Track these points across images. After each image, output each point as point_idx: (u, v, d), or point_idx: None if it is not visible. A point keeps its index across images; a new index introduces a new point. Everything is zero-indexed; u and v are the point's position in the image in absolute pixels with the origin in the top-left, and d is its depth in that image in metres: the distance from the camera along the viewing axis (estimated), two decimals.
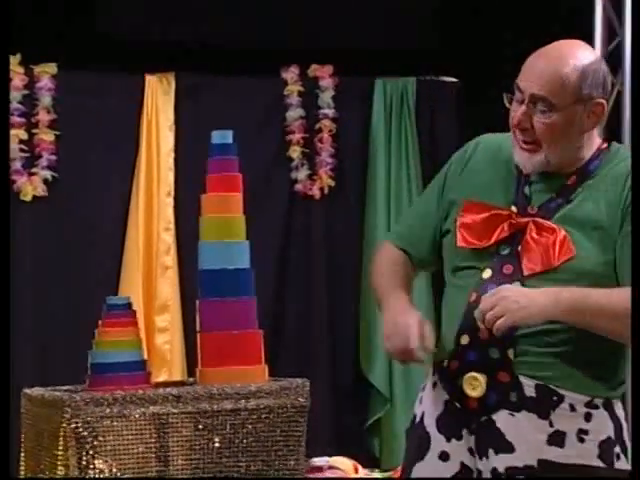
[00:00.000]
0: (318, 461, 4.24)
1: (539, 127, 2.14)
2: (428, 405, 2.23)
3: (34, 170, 4.68)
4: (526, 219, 2.16)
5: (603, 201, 2.15)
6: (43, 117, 4.68)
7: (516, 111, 2.16)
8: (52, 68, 4.69)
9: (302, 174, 5.00)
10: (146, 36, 4.76)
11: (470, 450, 2.17)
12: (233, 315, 3.24)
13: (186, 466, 2.71)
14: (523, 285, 2.13)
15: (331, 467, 4.25)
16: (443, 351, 2.20)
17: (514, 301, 2.05)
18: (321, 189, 5.01)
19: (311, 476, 4.12)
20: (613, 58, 4.59)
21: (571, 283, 2.12)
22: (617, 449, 2.16)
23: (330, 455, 4.36)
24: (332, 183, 5.02)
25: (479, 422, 2.15)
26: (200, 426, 2.79)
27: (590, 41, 4.58)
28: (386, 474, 4.33)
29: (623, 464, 2.16)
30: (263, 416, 2.88)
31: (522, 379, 2.12)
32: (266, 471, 2.83)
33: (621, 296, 2.09)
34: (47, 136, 4.68)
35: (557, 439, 2.11)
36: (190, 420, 2.82)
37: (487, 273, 2.16)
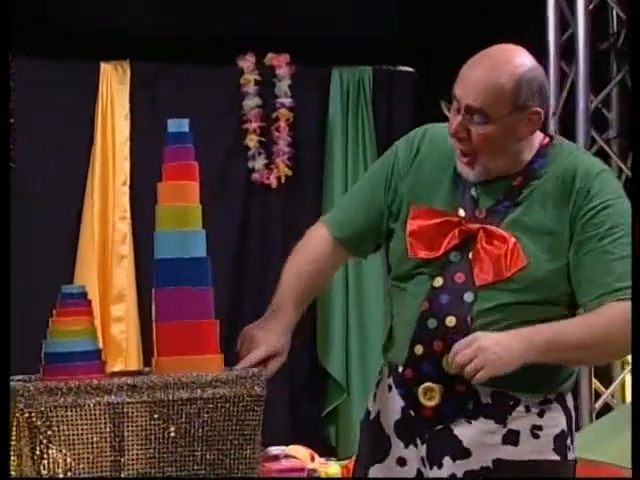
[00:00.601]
0: (274, 450, 4.25)
1: (476, 138, 2.11)
2: (384, 406, 2.23)
3: None
4: (476, 226, 2.15)
5: (551, 204, 2.14)
6: None
7: (453, 120, 2.14)
8: None
9: (259, 163, 4.99)
10: (101, 23, 4.72)
11: (423, 458, 2.18)
12: (189, 304, 3.22)
13: (141, 455, 2.69)
14: (475, 295, 2.12)
15: (287, 456, 4.26)
16: (397, 355, 2.20)
17: (493, 352, 2.03)
18: (278, 178, 5.01)
19: (267, 465, 4.12)
20: (566, 49, 4.64)
21: (523, 292, 2.12)
22: (568, 441, 2.18)
23: (287, 444, 4.36)
24: (289, 172, 5.02)
25: (434, 431, 2.16)
26: (155, 415, 2.78)
27: (543, 32, 4.61)
28: (342, 463, 4.34)
29: (572, 454, 2.19)
30: (219, 405, 2.88)
31: (478, 388, 2.13)
32: (222, 460, 2.83)
33: (587, 327, 2.08)
34: None
35: (511, 438, 2.13)
36: (145, 409, 2.81)
37: (438, 282, 2.16)
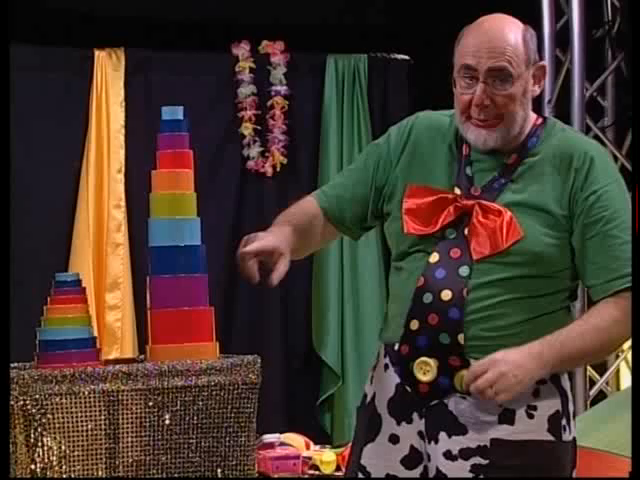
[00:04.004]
0: (269, 438, 4.25)
1: (501, 100, 2.14)
2: (379, 387, 2.24)
3: None
4: (471, 202, 2.17)
5: (546, 181, 2.16)
6: None
7: (468, 92, 2.15)
8: None
9: (254, 151, 4.98)
10: (96, 10, 4.70)
11: (420, 434, 2.18)
12: (184, 292, 3.23)
13: (136, 443, 2.70)
14: (471, 268, 2.14)
15: (282, 444, 4.26)
16: (393, 334, 2.20)
17: (512, 376, 2.07)
18: (273, 166, 5.00)
19: (262, 452, 4.13)
20: (561, 37, 4.63)
21: (521, 266, 2.13)
22: (564, 421, 2.18)
23: (282, 432, 4.36)
24: (284, 160, 5.01)
25: (430, 406, 2.17)
26: (150, 403, 2.78)
27: (538, 20, 4.60)
28: (337, 450, 4.35)
29: (568, 435, 2.19)
30: (214, 393, 2.88)
31: (472, 362, 2.13)
32: (217, 447, 2.84)
33: (595, 334, 2.12)
34: None
35: (507, 417, 2.13)
36: (140, 397, 2.81)
37: (434, 257, 2.17)
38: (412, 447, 2.19)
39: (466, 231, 2.16)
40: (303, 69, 5.05)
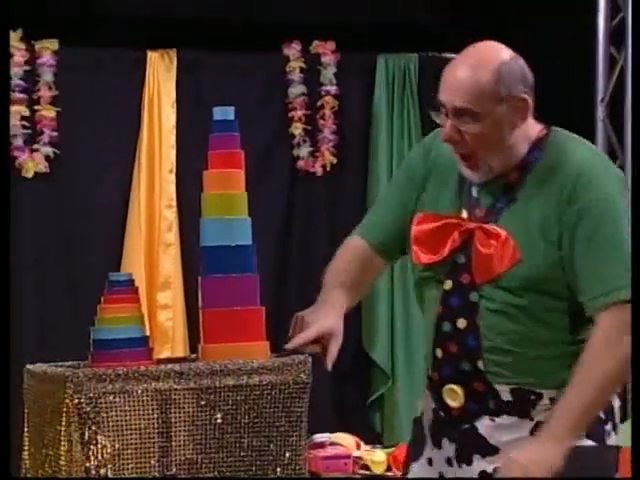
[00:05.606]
0: (320, 437, 4.26)
1: (469, 138, 2.11)
2: (425, 408, 2.26)
3: (35, 147, 4.67)
4: (474, 225, 2.15)
5: (544, 197, 2.11)
6: (44, 93, 4.66)
7: (444, 126, 2.14)
8: (53, 44, 4.67)
9: (304, 151, 4.99)
10: (147, 12, 4.73)
11: (447, 460, 2.19)
12: (235, 291, 3.24)
13: (188, 442, 2.72)
14: (479, 294, 2.12)
15: (333, 443, 4.26)
16: (426, 360, 2.22)
17: (541, 473, 2.04)
18: (323, 166, 5.00)
19: (313, 452, 4.13)
20: (616, 34, 4.57)
21: (521, 290, 2.10)
22: (608, 427, 2.16)
23: (332, 431, 4.37)
24: (334, 160, 5.01)
25: (461, 430, 2.17)
26: (202, 402, 2.80)
27: (594, 17, 4.55)
28: (388, 450, 4.34)
29: (613, 441, 2.17)
30: (265, 392, 2.89)
31: (497, 386, 2.13)
32: (268, 447, 2.84)
33: (591, 376, 2.06)
34: (48, 112, 4.66)
35: (539, 430, 2.11)
36: (192, 396, 2.83)
37: (448, 284, 2.16)
38: (440, 474, 2.20)
39: (471, 255, 2.15)
40: (353, 69, 5.05)
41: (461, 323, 2.14)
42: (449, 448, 2.18)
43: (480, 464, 2.15)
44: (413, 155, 2.32)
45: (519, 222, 2.12)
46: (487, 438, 2.14)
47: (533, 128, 2.18)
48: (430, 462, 2.23)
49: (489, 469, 2.13)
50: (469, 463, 2.16)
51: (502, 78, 2.10)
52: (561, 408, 2.07)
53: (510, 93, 2.11)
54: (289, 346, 2.22)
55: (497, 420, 2.13)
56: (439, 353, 2.17)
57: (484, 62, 2.12)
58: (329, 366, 2.19)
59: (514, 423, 2.13)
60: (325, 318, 2.21)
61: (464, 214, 2.18)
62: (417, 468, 2.26)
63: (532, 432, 2.12)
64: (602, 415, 2.15)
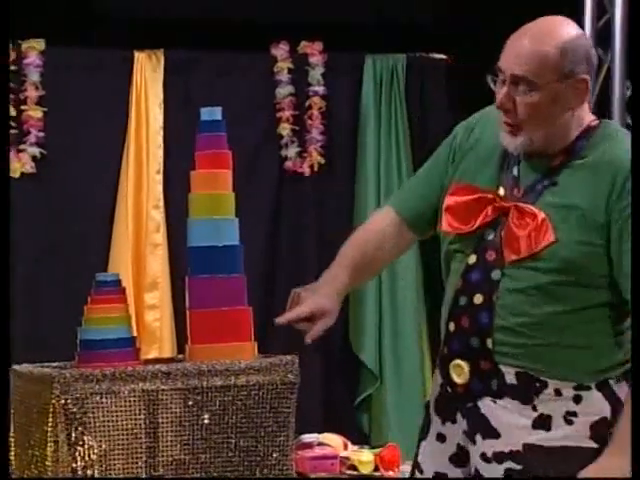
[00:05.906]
0: (308, 438, 4.26)
1: (521, 108, 2.11)
2: (433, 386, 2.27)
3: (22, 147, 4.66)
4: (509, 203, 2.15)
5: (591, 190, 2.11)
6: (31, 93, 4.65)
7: (499, 93, 2.14)
8: (40, 44, 4.66)
9: (292, 151, 4.98)
10: (135, 12, 4.73)
11: (465, 432, 2.18)
12: (222, 292, 3.24)
13: (175, 442, 2.71)
14: (502, 272, 2.11)
15: (320, 444, 4.26)
16: (441, 334, 2.22)
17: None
18: (311, 166, 5.00)
19: (301, 452, 4.13)
20: (603, 35, 4.59)
21: (553, 271, 2.10)
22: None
23: (320, 432, 4.37)
24: (322, 160, 5.01)
25: (466, 408, 2.17)
26: (190, 403, 2.80)
27: (580, 18, 4.57)
28: (375, 451, 4.34)
29: None
30: (252, 393, 2.89)
31: (502, 367, 2.12)
32: (255, 447, 2.84)
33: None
34: (35, 113, 4.65)
35: (542, 422, 2.11)
36: (180, 397, 2.82)
37: (472, 259, 2.16)
38: (459, 445, 2.19)
39: (502, 233, 2.14)
40: (341, 69, 5.05)
41: (477, 299, 2.14)
42: (463, 422, 2.18)
43: (481, 446, 2.14)
44: (455, 133, 2.31)
45: (557, 206, 2.11)
46: (489, 419, 2.13)
47: (588, 116, 2.17)
48: (441, 438, 2.21)
49: (489, 453, 2.13)
50: (474, 442, 2.16)
51: (567, 54, 2.09)
52: (625, 421, 2.04)
53: (572, 70, 2.10)
54: (280, 319, 2.22)
55: (499, 402, 2.12)
56: (452, 326, 2.16)
57: (551, 35, 2.10)
58: (307, 340, 2.20)
59: (516, 408, 2.11)
60: (321, 297, 2.21)
61: (501, 191, 2.17)
62: (425, 445, 2.25)
63: (535, 423, 2.10)
64: (608, 416, 2.12)
